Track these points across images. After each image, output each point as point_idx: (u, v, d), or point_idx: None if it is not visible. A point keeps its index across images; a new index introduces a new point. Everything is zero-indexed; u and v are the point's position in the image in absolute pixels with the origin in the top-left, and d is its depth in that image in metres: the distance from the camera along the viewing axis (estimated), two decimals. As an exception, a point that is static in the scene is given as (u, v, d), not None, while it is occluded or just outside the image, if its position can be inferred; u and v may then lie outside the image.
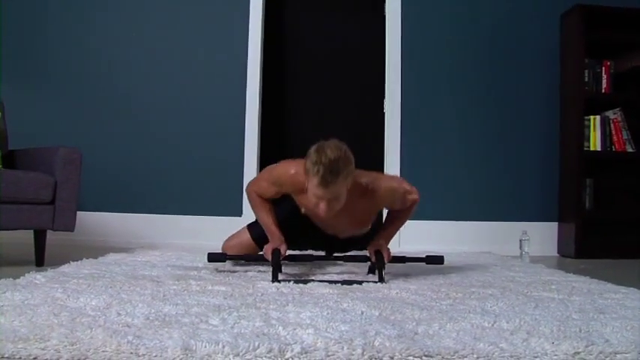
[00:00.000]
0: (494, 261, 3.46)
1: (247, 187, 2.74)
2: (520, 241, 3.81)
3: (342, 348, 1.33)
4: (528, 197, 4.40)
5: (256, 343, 1.31)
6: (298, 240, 2.87)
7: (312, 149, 2.35)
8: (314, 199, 2.36)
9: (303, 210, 2.65)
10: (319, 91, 4.57)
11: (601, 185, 4.21)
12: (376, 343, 1.37)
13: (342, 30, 4.61)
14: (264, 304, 1.84)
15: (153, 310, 1.68)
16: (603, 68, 4.18)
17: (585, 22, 4.12)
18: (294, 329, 1.48)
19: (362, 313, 1.74)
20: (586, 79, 4.17)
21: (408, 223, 4.20)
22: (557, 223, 4.34)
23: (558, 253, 4.30)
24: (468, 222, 4.36)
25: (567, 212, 4.22)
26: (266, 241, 2.67)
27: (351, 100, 4.56)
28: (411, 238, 4.14)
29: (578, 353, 1.36)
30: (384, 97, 4.46)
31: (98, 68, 4.36)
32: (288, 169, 2.57)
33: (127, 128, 4.33)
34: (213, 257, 2.68)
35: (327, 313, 1.68)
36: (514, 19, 4.45)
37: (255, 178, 2.82)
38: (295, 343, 1.35)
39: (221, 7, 4.43)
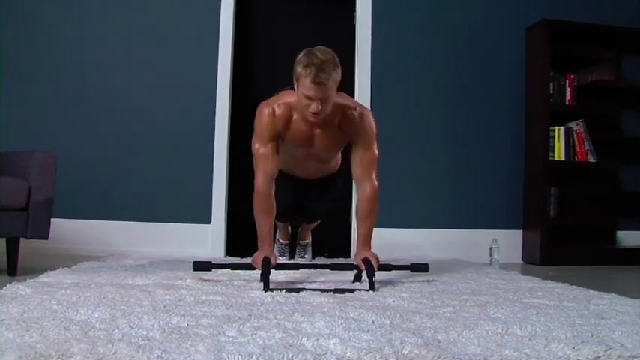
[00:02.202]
0: (467, 268, 3.50)
1: (255, 183, 2.67)
2: (490, 248, 3.89)
3: (375, 357, 1.32)
4: (494, 205, 4.49)
5: (289, 355, 1.29)
6: (281, 199, 2.84)
7: (301, 55, 2.52)
8: (305, 102, 2.48)
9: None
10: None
11: (565, 194, 4.35)
12: (405, 352, 1.37)
13: (312, 36, 4.59)
14: (270, 314, 1.81)
15: (162, 322, 1.63)
16: (567, 81, 4.33)
17: (550, 36, 4.25)
18: (317, 339, 1.46)
19: (373, 321, 1.73)
20: (551, 91, 4.30)
21: (375, 230, 4.26)
22: (521, 230, 4.45)
23: (523, 260, 4.41)
24: (434, 229, 4.42)
25: (532, 220, 4.34)
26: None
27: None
28: (379, 245, 4.14)
29: (599, 357, 1.40)
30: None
31: (72, 75, 4.21)
32: (264, 112, 2.68)
33: (95, 135, 4.19)
34: (198, 266, 2.63)
35: (341, 322, 1.67)
36: (481, 32, 4.55)
37: (255, 167, 2.71)
38: (326, 353, 1.34)
39: (192, 17, 4.36)
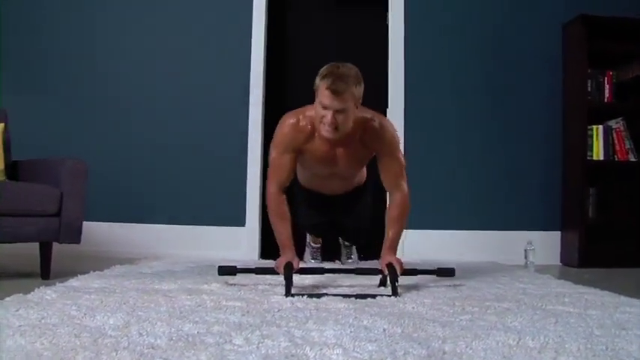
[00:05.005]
0: (501, 271, 3.44)
1: (267, 189, 2.69)
2: (525, 250, 3.82)
3: (374, 370, 1.32)
4: (531, 206, 4.39)
5: (288, 366, 1.29)
6: (305, 215, 2.89)
7: (324, 67, 2.46)
8: (321, 112, 2.43)
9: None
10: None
11: (604, 194, 4.22)
12: (407, 364, 1.36)
13: (344, 37, 4.59)
14: (283, 321, 1.82)
15: (173, 329, 1.65)
16: (606, 78, 4.20)
17: (587, 32, 4.13)
18: (321, 349, 1.46)
19: (384, 330, 1.72)
20: (589, 89, 4.18)
21: (411, 233, 4.21)
22: (559, 232, 4.34)
23: (561, 262, 4.30)
24: (471, 231, 4.35)
25: (570, 221, 4.23)
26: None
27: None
28: (414, 247, 4.13)
29: (609, 373, 1.36)
30: (386, 105, 4.45)
31: (101, 78, 4.34)
32: (286, 122, 2.65)
33: (128, 137, 4.31)
34: (223, 270, 2.66)
35: (351, 331, 1.66)
36: (516, 28, 4.46)
37: (268, 174, 2.73)
38: (326, 364, 1.34)
39: (224, 21, 4.41)
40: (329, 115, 2.41)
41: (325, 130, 2.47)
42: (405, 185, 2.69)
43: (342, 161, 2.71)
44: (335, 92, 2.36)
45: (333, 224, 3.37)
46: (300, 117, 2.63)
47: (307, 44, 4.60)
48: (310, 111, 2.61)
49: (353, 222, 3.35)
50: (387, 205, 2.73)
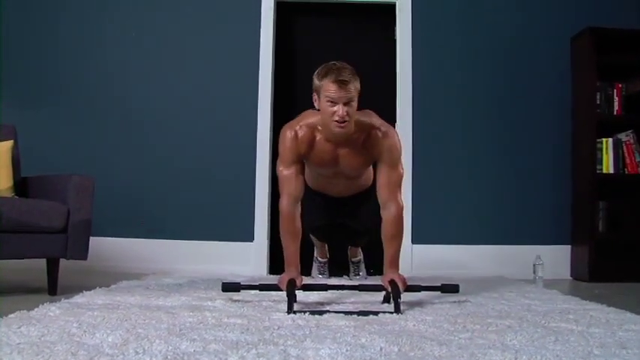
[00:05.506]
0: (509, 287, 3.42)
1: (280, 204, 2.70)
2: (534, 265, 3.79)
3: (365, 391, 1.31)
4: (540, 220, 4.37)
5: (278, 386, 1.29)
6: (311, 217, 2.94)
7: (318, 68, 2.57)
8: (329, 110, 2.48)
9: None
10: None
11: (614, 208, 4.19)
12: (398, 385, 1.35)
13: (353, 52, 4.60)
14: (281, 339, 1.82)
15: (170, 348, 1.66)
16: (615, 90, 4.18)
17: (596, 45, 4.12)
18: (314, 369, 1.46)
19: (381, 349, 1.71)
20: (598, 102, 4.16)
21: (420, 248, 4.19)
22: (570, 246, 4.30)
23: (571, 276, 4.26)
24: (479, 246, 4.33)
25: (580, 235, 4.20)
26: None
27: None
28: (423, 262, 4.13)
29: (604, 394, 1.34)
30: (394, 119, 4.45)
31: (109, 93, 4.39)
32: (287, 136, 2.68)
33: (138, 153, 4.35)
34: (227, 287, 2.67)
35: (347, 350, 1.66)
36: (525, 42, 4.46)
37: (279, 189, 2.74)
38: (317, 385, 1.34)
39: (232, 41, 4.47)
40: (340, 108, 2.46)
41: (337, 126, 2.51)
42: (400, 198, 2.70)
43: (345, 161, 2.75)
44: (342, 82, 2.43)
45: (338, 226, 3.37)
46: (298, 127, 2.67)
47: (315, 58, 4.57)
48: (307, 119, 2.68)
49: (357, 224, 3.35)
50: (383, 219, 2.69)
